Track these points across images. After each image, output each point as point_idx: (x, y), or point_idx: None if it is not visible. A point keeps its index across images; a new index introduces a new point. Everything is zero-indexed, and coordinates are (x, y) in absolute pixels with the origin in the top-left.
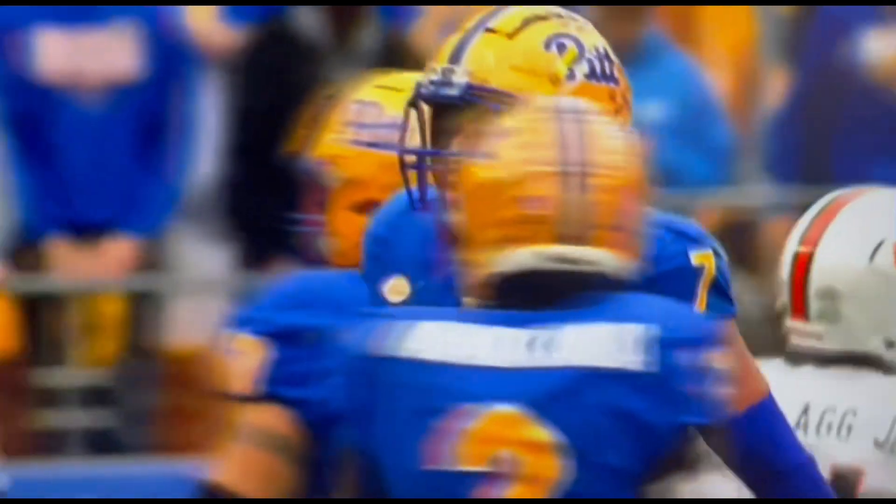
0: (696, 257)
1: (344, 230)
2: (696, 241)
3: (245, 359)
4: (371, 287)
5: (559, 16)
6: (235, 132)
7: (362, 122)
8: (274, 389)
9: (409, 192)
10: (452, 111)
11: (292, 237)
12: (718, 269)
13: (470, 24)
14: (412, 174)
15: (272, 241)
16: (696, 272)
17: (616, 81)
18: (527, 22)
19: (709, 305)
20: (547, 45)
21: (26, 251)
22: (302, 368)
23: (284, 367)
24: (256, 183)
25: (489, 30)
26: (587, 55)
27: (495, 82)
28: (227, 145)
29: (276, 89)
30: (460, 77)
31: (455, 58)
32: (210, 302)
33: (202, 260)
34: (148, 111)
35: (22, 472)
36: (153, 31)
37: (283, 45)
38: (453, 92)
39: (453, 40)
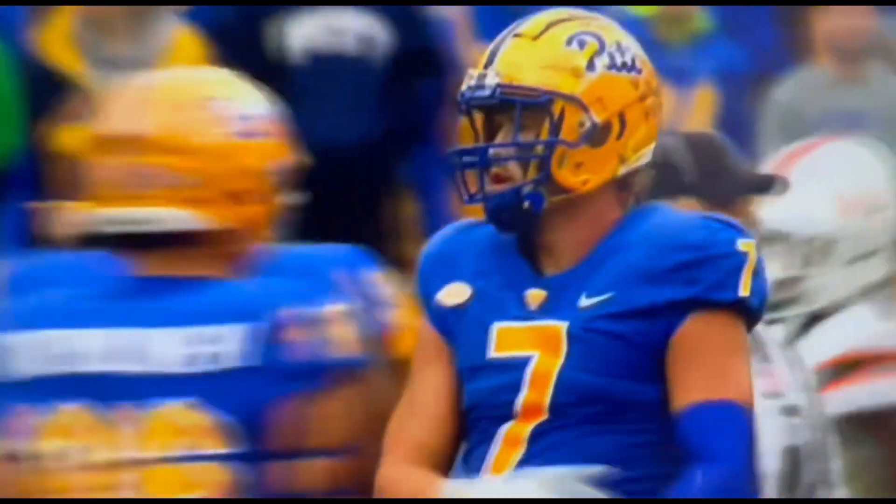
0: (742, 244)
1: None
2: (741, 232)
3: None
4: (426, 300)
5: (582, 17)
6: None
7: None
8: None
9: (460, 191)
10: (493, 111)
11: None
12: (759, 260)
13: (503, 33)
14: (467, 172)
15: None
16: (743, 257)
17: (638, 71)
18: (551, 25)
19: (752, 289)
20: (569, 43)
21: None
22: None
23: None
24: None
25: (517, 35)
26: (607, 49)
27: (523, 81)
28: None
29: None
30: (491, 79)
31: (488, 63)
32: None
33: None
34: None
35: None
36: None
37: None
38: (485, 93)
39: (488, 48)
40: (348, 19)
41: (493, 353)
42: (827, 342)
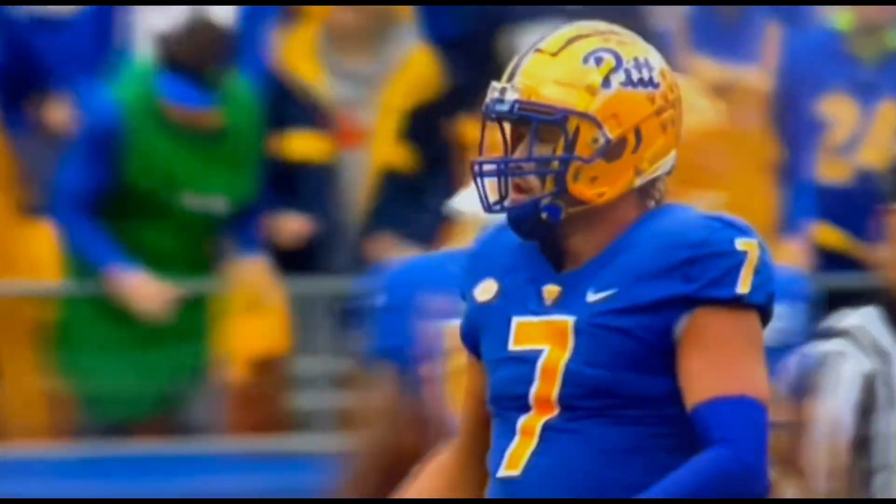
0: (740, 243)
1: None
2: (742, 231)
3: None
4: (463, 298)
5: (601, 33)
6: None
7: None
8: None
9: (482, 198)
10: (516, 122)
11: None
12: (761, 258)
13: (527, 47)
14: (488, 181)
15: None
16: (741, 255)
17: (656, 85)
18: (570, 41)
19: (753, 287)
20: (585, 60)
21: None
22: None
23: None
24: None
25: (538, 50)
26: (624, 65)
27: (540, 97)
28: None
29: None
30: (511, 94)
31: (510, 77)
32: None
33: None
34: None
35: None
36: None
37: None
38: (504, 108)
39: (512, 62)
40: None
41: (512, 346)
42: None
